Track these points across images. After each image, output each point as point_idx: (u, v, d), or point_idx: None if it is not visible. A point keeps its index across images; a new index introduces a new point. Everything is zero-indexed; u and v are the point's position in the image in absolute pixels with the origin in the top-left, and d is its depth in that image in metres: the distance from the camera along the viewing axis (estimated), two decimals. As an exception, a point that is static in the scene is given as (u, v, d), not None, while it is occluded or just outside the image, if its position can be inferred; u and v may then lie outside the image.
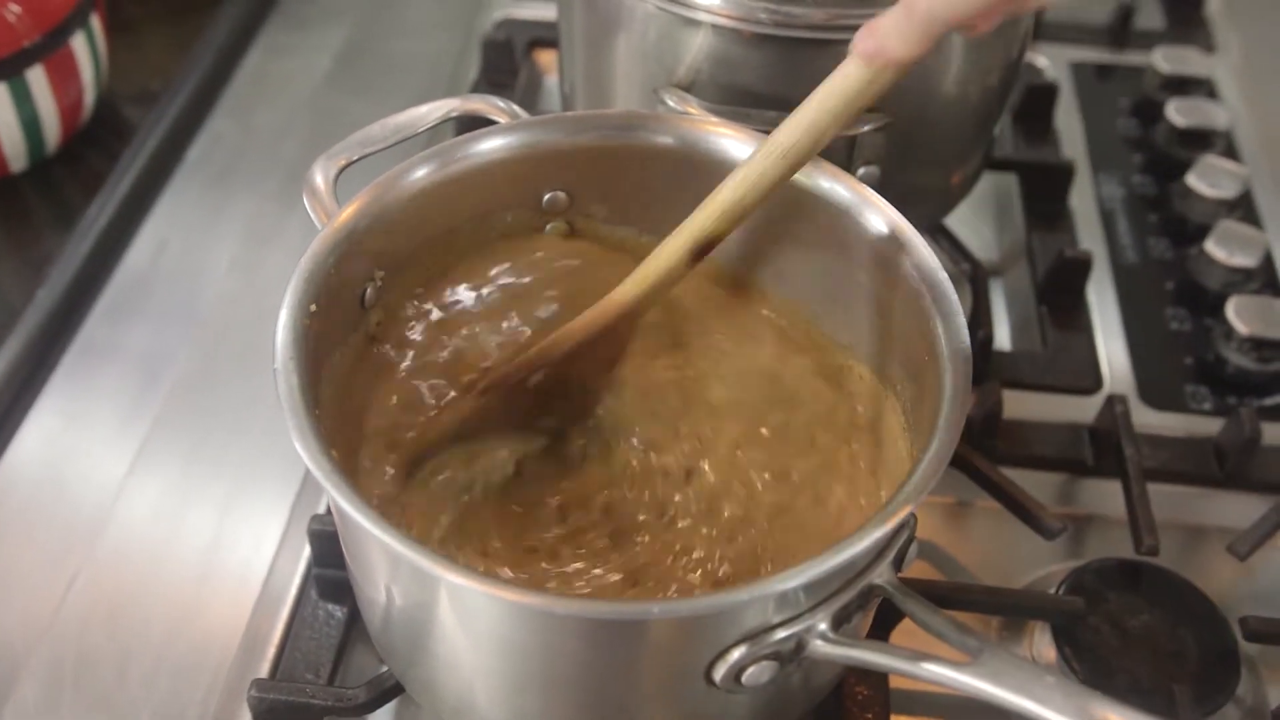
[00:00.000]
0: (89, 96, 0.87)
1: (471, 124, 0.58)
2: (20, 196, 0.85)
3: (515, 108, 0.58)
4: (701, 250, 0.54)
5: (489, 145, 0.56)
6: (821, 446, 0.57)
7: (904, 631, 0.57)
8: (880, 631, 0.57)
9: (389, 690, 0.56)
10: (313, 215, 0.54)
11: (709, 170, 0.56)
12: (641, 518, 0.57)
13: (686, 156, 0.57)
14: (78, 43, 0.83)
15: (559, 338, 0.57)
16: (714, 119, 0.58)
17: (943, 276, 0.51)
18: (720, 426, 0.58)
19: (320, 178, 0.55)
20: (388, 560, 0.46)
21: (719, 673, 0.44)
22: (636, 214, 0.60)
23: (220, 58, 0.94)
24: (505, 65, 0.92)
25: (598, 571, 0.55)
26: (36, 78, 0.81)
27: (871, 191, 0.54)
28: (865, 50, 0.47)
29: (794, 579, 0.42)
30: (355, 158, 0.56)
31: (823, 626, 0.44)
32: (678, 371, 0.60)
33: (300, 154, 0.87)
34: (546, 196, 0.59)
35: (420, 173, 0.55)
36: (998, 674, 0.41)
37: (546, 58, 0.96)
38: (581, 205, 0.59)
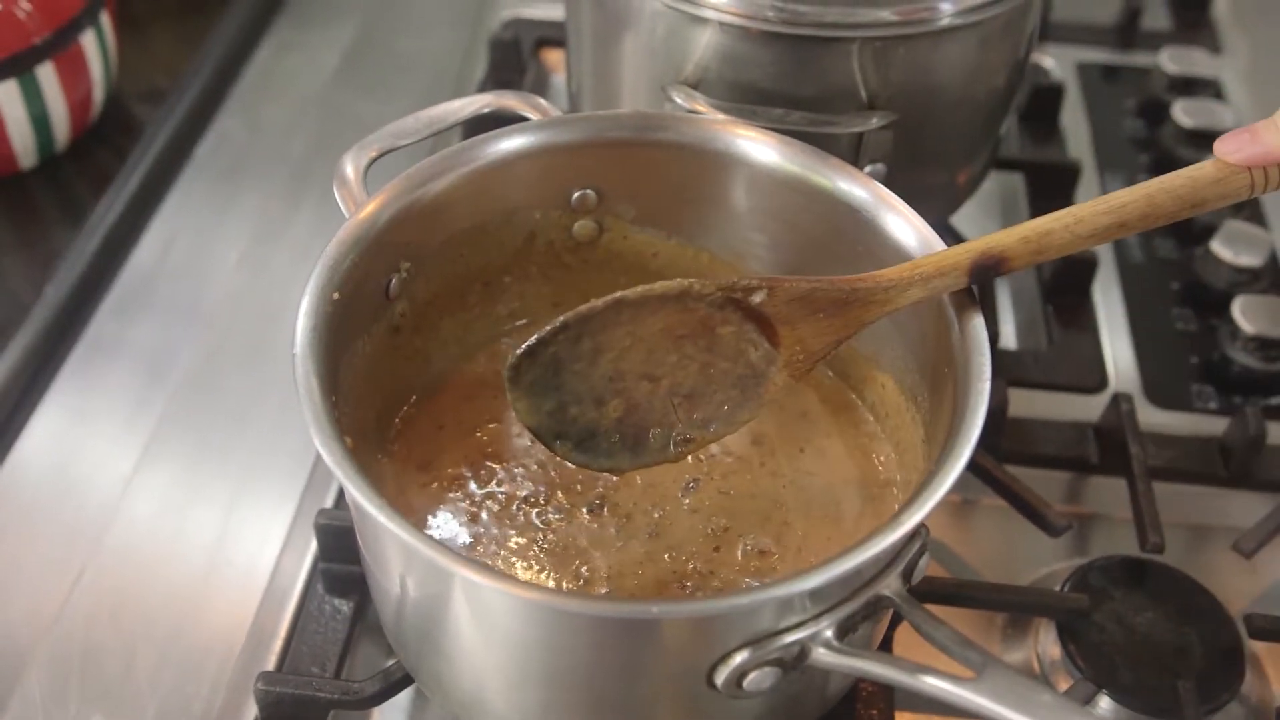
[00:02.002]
0: (98, 94, 0.87)
1: (486, 124, 0.58)
2: (29, 193, 0.86)
3: (547, 104, 0.58)
4: (986, 267, 0.50)
5: (516, 142, 0.56)
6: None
7: (909, 628, 0.57)
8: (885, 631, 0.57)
9: (396, 683, 0.56)
10: (341, 205, 0.54)
11: (740, 176, 0.56)
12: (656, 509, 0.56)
13: (717, 160, 0.57)
14: (87, 40, 0.84)
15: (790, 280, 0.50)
16: (744, 121, 0.58)
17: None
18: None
19: (351, 168, 0.55)
20: (401, 547, 0.46)
21: (720, 676, 0.44)
22: (665, 216, 0.60)
23: (228, 55, 0.94)
24: (512, 64, 0.92)
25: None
26: (46, 75, 0.81)
27: (891, 194, 0.54)
28: (1244, 158, 0.45)
29: (798, 585, 0.42)
30: (387, 149, 0.56)
31: (828, 635, 0.44)
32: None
33: (308, 151, 0.87)
34: (575, 195, 0.59)
35: (447, 167, 0.55)
36: (997, 691, 0.41)
37: (553, 57, 0.96)
38: (610, 205, 0.59)
